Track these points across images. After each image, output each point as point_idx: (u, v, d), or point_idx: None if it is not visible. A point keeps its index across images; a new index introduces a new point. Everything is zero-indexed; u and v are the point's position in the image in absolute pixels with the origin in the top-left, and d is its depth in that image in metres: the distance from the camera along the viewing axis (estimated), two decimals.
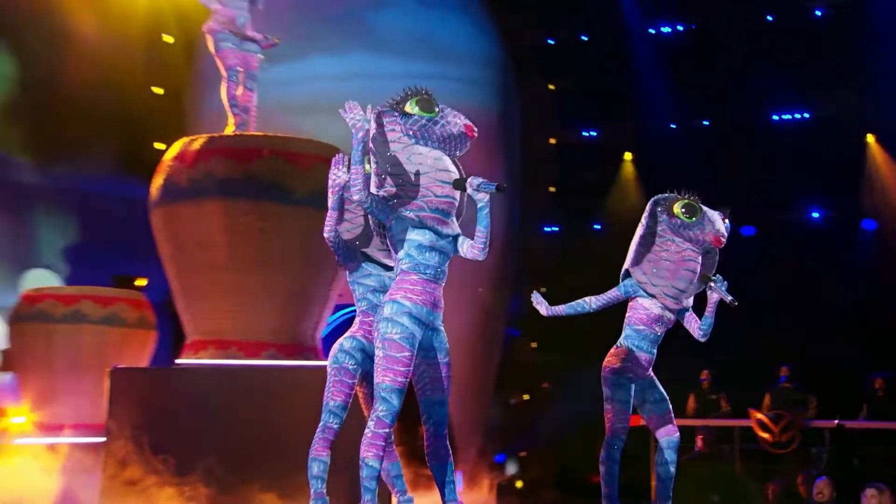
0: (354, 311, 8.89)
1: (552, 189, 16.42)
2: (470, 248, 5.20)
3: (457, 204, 5.20)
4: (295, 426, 7.60)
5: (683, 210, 6.16)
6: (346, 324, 14.98)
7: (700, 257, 6.21)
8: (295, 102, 14.00)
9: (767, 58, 14.61)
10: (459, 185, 5.04)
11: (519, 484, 13.08)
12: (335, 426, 5.59)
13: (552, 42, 16.22)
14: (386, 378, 5.03)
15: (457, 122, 5.26)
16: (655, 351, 6.36)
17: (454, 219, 5.25)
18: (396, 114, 5.13)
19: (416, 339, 5.11)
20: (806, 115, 15.08)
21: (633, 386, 6.30)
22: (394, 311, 5.05)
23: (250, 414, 8.71)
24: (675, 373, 12.59)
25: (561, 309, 6.29)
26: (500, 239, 14.02)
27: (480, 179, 5.02)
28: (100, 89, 14.39)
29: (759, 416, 11.79)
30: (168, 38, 15.63)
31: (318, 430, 5.60)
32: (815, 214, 15.10)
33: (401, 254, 5.15)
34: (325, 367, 6.38)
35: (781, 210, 14.95)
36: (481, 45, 15.23)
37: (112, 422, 8.68)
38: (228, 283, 9.54)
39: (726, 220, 6.13)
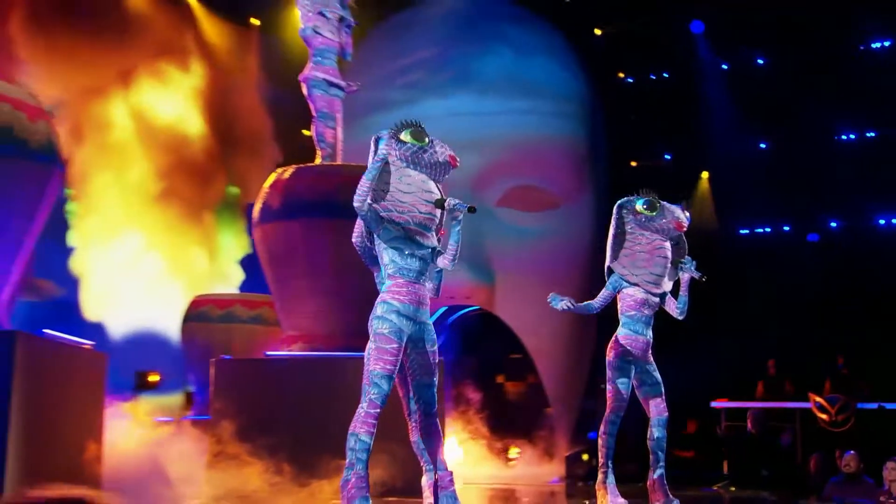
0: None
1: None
2: (442, 260, 5.81)
3: (437, 220, 5.71)
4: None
5: (645, 206, 6.83)
6: (461, 323, 16.04)
7: (668, 244, 6.91)
8: None
9: (830, 84, 14.92)
10: (440, 204, 5.53)
11: (585, 457, 13.36)
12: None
13: (631, 80, 16.90)
14: (377, 366, 5.58)
15: (443, 152, 5.70)
16: (650, 333, 7.07)
17: (434, 233, 5.82)
18: (393, 140, 5.65)
19: (403, 333, 5.65)
20: (870, 134, 15.38)
21: (632, 369, 7.00)
22: (384, 310, 5.63)
23: (329, 397, 9.23)
24: (745, 362, 13.50)
25: (576, 306, 6.89)
26: (590, 245, 15.12)
27: (456, 200, 5.58)
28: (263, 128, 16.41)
29: (818, 398, 12.25)
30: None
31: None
32: (882, 222, 15.32)
33: (386, 259, 5.76)
34: None
35: (841, 217, 15.43)
36: (570, 83, 16.10)
37: (217, 404, 9.35)
38: (310, 288, 10.09)
39: (686, 211, 6.81)
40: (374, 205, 5.51)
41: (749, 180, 15.63)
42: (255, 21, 16.63)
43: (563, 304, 6.80)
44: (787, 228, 16.14)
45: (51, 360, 8.78)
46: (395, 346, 5.55)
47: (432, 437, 6.01)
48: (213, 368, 9.68)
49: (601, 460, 6.98)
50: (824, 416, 12.18)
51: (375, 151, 5.60)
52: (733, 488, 11.21)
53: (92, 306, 14.26)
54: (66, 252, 14.65)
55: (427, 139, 5.64)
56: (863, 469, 9.58)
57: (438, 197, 5.56)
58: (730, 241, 16.26)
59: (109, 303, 14.39)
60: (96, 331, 14.34)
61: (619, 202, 6.90)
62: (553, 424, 15.61)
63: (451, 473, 6.08)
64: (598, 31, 16.40)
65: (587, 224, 15.75)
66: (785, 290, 15.01)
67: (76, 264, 14.57)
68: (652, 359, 7.08)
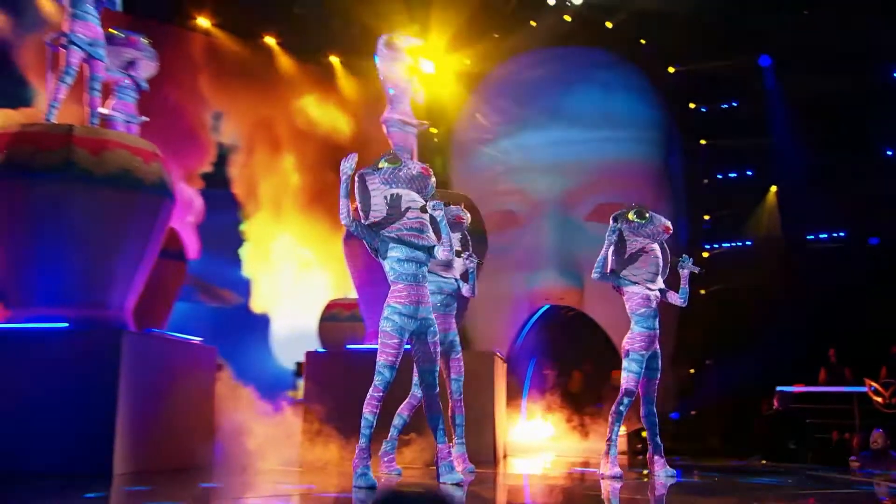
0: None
1: (706, 217, 17.77)
2: (439, 252, 6.34)
3: (427, 222, 6.26)
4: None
5: (636, 215, 7.49)
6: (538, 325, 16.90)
7: (658, 247, 7.52)
8: (515, 165, 16.87)
9: (882, 106, 15.59)
10: (423, 209, 6.17)
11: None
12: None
13: (704, 109, 17.55)
14: (381, 358, 6.21)
15: (416, 166, 6.35)
16: (657, 325, 7.49)
17: (430, 233, 6.32)
18: (374, 171, 6.25)
19: (405, 331, 6.23)
20: None
21: (643, 360, 7.41)
22: (388, 313, 6.20)
23: (396, 385, 9.62)
24: (810, 352, 14.40)
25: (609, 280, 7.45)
26: (671, 248, 16.97)
27: (433, 202, 6.26)
28: None
29: (874, 383, 12.86)
30: (433, 129, 17.88)
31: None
32: None
33: (386, 268, 6.28)
34: (483, 352, 9.10)
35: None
36: (648, 114, 17.00)
37: (309, 389, 9.83)
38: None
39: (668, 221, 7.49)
40: (366, 222, 6.16)
41: (811, 192, 16.10)
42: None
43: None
44: (843, 234, 16.57)
45: (158, 355, 9.15)
46: (396, 341, 6.19)
47: (433, 412, 6.60)
48: (305, 359, 10.22)
49: (608, 436, 7.56)
50: (879, 399, 12.76)
51: (362, 184, 6.28)
52: (764, 461, 11.46)
53: (259, 307, 15.63)
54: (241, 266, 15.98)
55: (400, 161, 6.35)
56: (888, 445, 10.06)
57: (422, 204, 6.22)
58: (795, 244, 16.78)
59: (273, 303, 15.66)
60: (264, 327, 15.99)
61: (613, 215, 7.55)
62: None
63: (449, 445, 6.68)
64: (671, 69, 17.25)
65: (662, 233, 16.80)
66: (844, 287, 15.15)
67: (247, 271, 15.96)
68: (659, 348, 7.58)
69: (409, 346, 6.44)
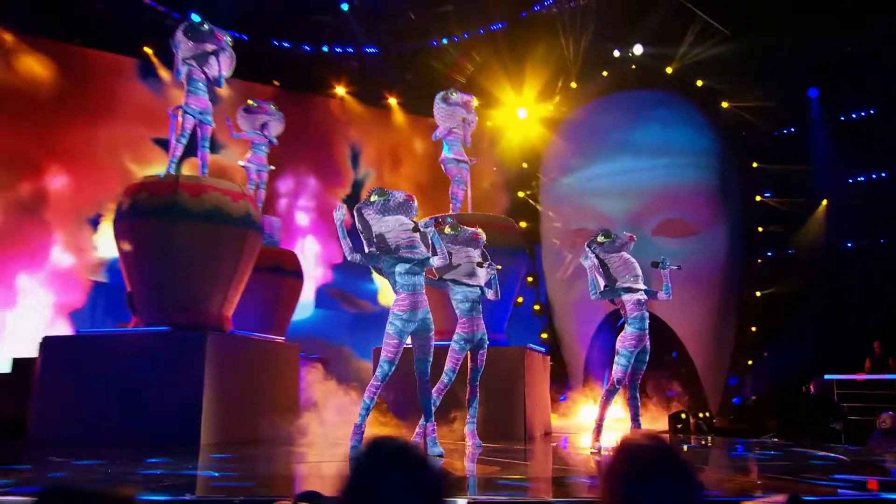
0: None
1: (760, 229, 18.59)
2: (434, 261, 6.83)
3: (417, 239, 6.74)
4: (488, 383, 9.14)
5: (603, 237, 7.93)
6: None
7: (631, 256, 7.98)
8: (592, 190, 18.29)
9: None
10: (415, 228, 6.67)
11: (683, 415, 13.65)
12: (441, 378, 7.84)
13: (756, 136, 18.10)
14: (383, 353, 6.79)
15: (401, 195, 6.77)
16: (647, 325, 7.82)
17: (422, 247, 6.80)
18: (367, 205, 6.77)
19: (404, 332, 6.79)
20: None
21: (633, 355, 7.80)
22: (391, 318, 6.81)
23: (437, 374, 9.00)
24: (856, 344, 15.01)
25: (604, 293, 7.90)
26: (726, 259, 17.63)
27: (424, 221, 6.73)
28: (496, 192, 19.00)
29: None
30: (524, 165, 20.30)
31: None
32: None
33: (391, 282, 6.87)
34: (516, 347, 10.10)
35: None
36: (703, 143, 18.06)
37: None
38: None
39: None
40: (360, 255, 6.84)
41: (852, 206, 17.18)
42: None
43: (587, 262, 7.97)
44: (883, 241, 17.24)
45: (239, 350, 9.78)
46: (395, 341, 6.84)
47: (424, 395, 7.17)
48: (374, 353, 9.93)
49: (597, 420, 8.12)
50: None
51: (356, 218, 6.90)
52: (776, 438, 12.08)
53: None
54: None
55: (388, 193, 6.85)
56: None
57: (413, 225, 6.83)
58: (840, 251, 17.55)
59: None
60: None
61: (586, 243, 8.09)
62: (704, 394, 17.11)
63: (434, 424, 7.22)
64: (724, 104, 18.18)
65: (721, 244, 17.83)
66: (885, 288, 16.05)
67: (377, 281, 17.11)
68: (649, 343, 7.96)
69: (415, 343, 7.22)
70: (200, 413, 8.53)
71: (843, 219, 17.50)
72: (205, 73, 10.12)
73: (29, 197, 14.51)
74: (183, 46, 10.03)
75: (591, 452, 8.01)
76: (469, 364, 8.19)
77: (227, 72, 10.48)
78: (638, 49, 17.77)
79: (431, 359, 7.13)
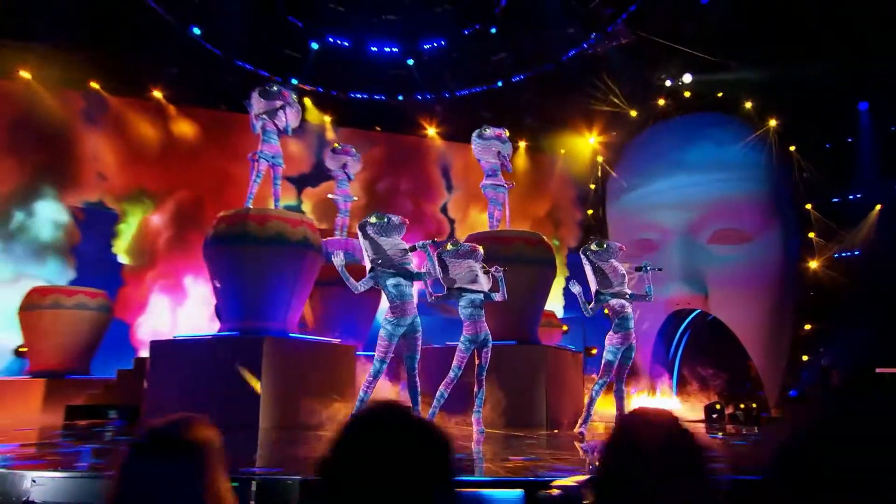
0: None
1: (811, 235, 18.84)
2: (431, 282, 7.62)
3: (410, 256, 7.47)
4: (515, 377, 10.32)
5: (596, 245, 8.29)
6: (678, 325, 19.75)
7: (618, 263, 8.31)
8: (650, 205, 19.35)
9: None
10: (412, 248, 7.43)
11: (717, 406, 14.10)
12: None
13: (804, 148, 18.67)
14: (376, 353, 7.46)
15: (397, 217, 7.52)
16: (632, 325, 8.24)
17: (413, 263, 7.56)
18: (369, 226, 7.53)
19: (395, 336, 7.44)
20: None
21: (619, 352, 8.22)
22: (384, 323, 7.48)
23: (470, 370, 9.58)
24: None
25: (580, 300, 8.16)
26: (781, 263, 18.28)
27: (418, 243, 7.45)
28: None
29: None
30: (592, 186, 21.37)
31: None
32: None
33: (386, 293, 7.55)
34: (539, 346, 10.93)
35: None
36: (754, 157, 18.75)
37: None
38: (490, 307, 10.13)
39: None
40: (363, 283, 7.51)
41: None
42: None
43: (575, 289, 8.23)
44: None
45: (295, 350, 10.48)
46: (386, 343, 7.53)
47: (415, 389, 7.71)
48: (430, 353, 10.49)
49: (585, 412, 8.47)
50: None
51: (360, 234, 7.72)
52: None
53: None
54: None
55: (385, 217, 7.59)
56: None
57: (407, 247, 7.60)
58: (891, 252, 17.43)
59: None
60: None
61: (581, 250, 8.48)
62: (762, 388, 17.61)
63: (420, 412, 7.42)
64: (772, 122, 18.76)
65: (775, 249, 18.45)
66: None
67: None
68: (634, 341, 8.33)
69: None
70: (259, 402, 9.65)
71: (891, 222, 17.79)
72: (275, 124, 11.45)
73: (189, 217, 17.64)
74: (256, 105, 11.42)
75: (578, 433, 8.41)
76: (476, 361, 8.48)
77: (293, 122, 11.69)
78: (687, 77, 18.75)
79: (419, 356, 7.75)
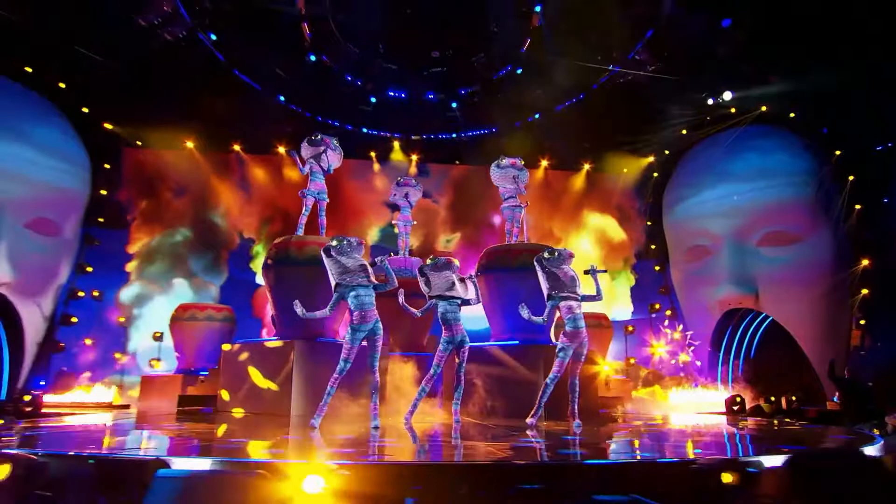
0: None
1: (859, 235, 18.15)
2: (384, 284, 7.84)
3: (369, 271, 7.84)
4: (524, 379, 11.00)
5: (548, 254, 8.69)
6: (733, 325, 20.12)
7: (569, 268, 8.64)
8: (699, 214, 19.86)
9: None
10: (372, 264, 7.86)
11: (738, 399, 14.47)
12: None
13: (851, 154, 18.37)
14: (342, 354, 7.98)
15: (354, 240, 7.93)
16: (582, 324, 8.52)
17: (371, 276, 7.87)
18: (331, 249, 7.94)
19: (357, 340, 7.90)
20: None
21: (570, 349, 8.53)
22: (348, 330, 7.97)
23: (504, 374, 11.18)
24: None
25: (530, 319, 8.41)
26: (831, 262, 18.27)
27: (378, 259, 7.97)
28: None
29: None
30: (649, 199, 21.96)
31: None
32: None
33: (348, 304, 8.02)
34: (550, 345, 10.78)
35: None
36: (799, 164, 18.92)
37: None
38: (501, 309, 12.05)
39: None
40: (328, 304, 8.04)
41: None
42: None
43: (524, 313, 8.54)
44: None
45: (324, 352, 10.94)
46: (349, 346, 8.07)
47: (374, 383, 8.38)
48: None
49: (538, 405, 8.76)
50: None
51: (324, 257, 8.19)
52: (776, 421, 12.15)
53: None
54: None
55: (344, 239, 8.08)
56: None
57: (366, 263, 8.12)
58: None
59: None
60: None
61: (535, 258, 8.85)
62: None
63: (377, 404, 8.30)
64: (817, 129, 18.59)
65: (825, 249, 18.43)
66: None
67: None
68: (587, 339, 8.61)
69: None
70: (290, 394, 11.01)
71: None
72: (320, 166, 12.83)
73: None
74: (304, 151, 12.83)
75: (528, 422, 8.80)
76: (456, 359, 8.99)
77: (335, 163, 13.01)
78: (727, 95, 18.97)
79: (379, 355, 8.35)
